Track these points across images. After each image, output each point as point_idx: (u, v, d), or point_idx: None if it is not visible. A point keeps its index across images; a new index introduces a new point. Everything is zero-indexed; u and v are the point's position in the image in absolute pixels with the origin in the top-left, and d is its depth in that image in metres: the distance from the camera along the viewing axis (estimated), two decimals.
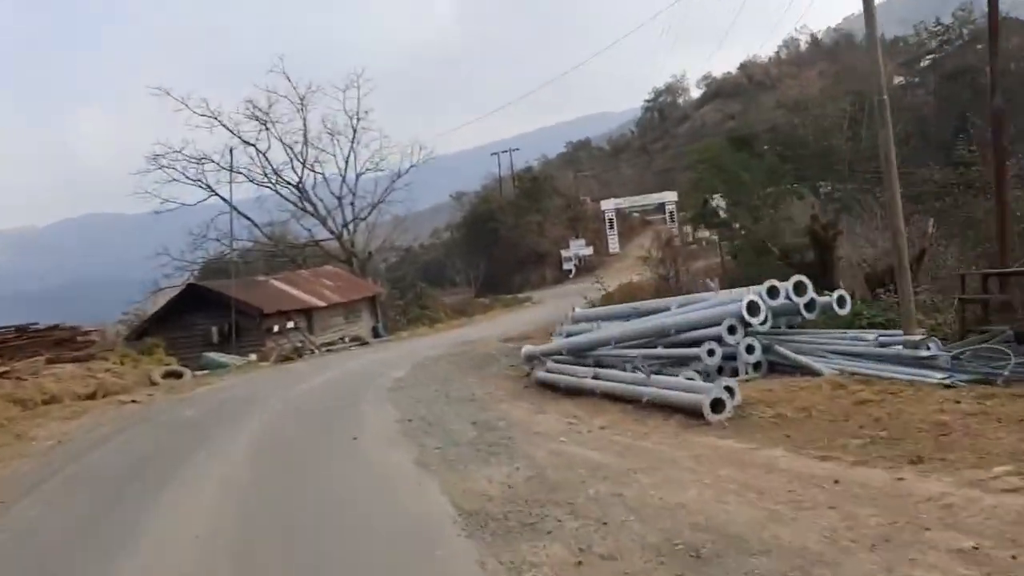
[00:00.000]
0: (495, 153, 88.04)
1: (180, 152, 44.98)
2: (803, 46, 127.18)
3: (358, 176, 48.13)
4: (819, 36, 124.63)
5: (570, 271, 79.74)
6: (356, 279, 44.03)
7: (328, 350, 34.43)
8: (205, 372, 27.90)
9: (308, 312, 35.29)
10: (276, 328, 32.62)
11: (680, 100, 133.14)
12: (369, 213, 47.96)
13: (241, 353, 31.17)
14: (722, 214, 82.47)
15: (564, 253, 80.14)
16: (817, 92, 67.75)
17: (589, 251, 79.61)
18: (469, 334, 37.64)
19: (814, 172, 55.40)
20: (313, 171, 47.10)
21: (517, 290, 77.83)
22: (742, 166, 52.98)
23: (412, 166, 49.42)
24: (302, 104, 47.43)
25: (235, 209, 43.32)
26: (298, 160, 46.63)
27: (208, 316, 32.77)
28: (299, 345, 33.21)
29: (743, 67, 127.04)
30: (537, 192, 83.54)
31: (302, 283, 37.69)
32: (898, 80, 76.77)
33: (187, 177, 45.20)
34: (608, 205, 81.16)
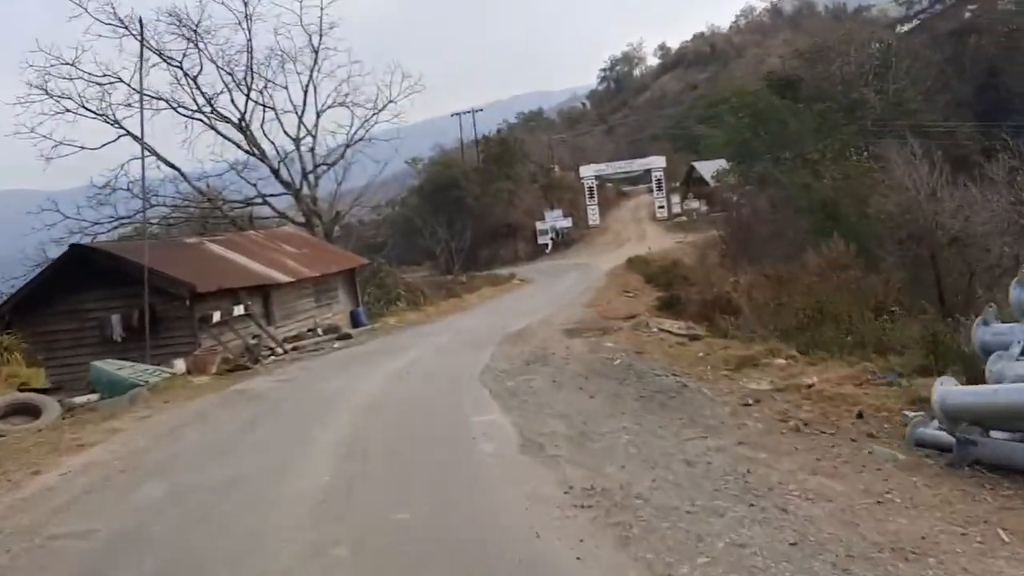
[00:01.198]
0: (457, 114, 75.10)
1: (73, 65, 31.27)
2: (762, 15, 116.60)
3: (320, 113, 34.95)
4: (779, 5, 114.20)
5: (546, 245, 67.74)
6: (329, 247, 31.27)
7: (295, 348, 21.76)
8: (92, 398, 14.96)
9: (264, 291, 22.43)
10: (216, 316, 19.72)
11: (636, 71, 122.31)
12: (338, 159, 34.84)
13: (160, 358, 18.26)
14: (710, 182, 71.65)
15: (539, 225, 68.04)
16: (834, 41, 57.32)
17: (568, 223, 67.65)
18: (485, 320, 26.22)
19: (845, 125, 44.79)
20: (262, 105, 33.86)
21: (485, 266, 65.60)
22: (789, 114, 42.05)
23: (391, 101, 36.49)
24: (246, 15, 34.07)
25: (151, 151, 30.05)
26: (240, 90, 33.41)
27: (106, 298, 19.69)
28: (253, 343, 20.47)
29: (703, 37, 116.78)
30: (506, 157, 71.08)
31: (254, 249, 24.75)
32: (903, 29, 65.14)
33: (86, 108, 31.63)
34: (587, 172, 69.22)
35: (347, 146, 34.53)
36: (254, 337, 20.89)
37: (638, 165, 70.00)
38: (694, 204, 68.30)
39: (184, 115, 32.47)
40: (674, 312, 24.38)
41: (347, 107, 35.44)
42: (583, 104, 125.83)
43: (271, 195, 33.74)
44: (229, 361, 18.69)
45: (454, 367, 15.80)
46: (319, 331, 24.45)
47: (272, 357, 20.09)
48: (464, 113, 75.16)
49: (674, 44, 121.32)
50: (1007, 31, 64.29)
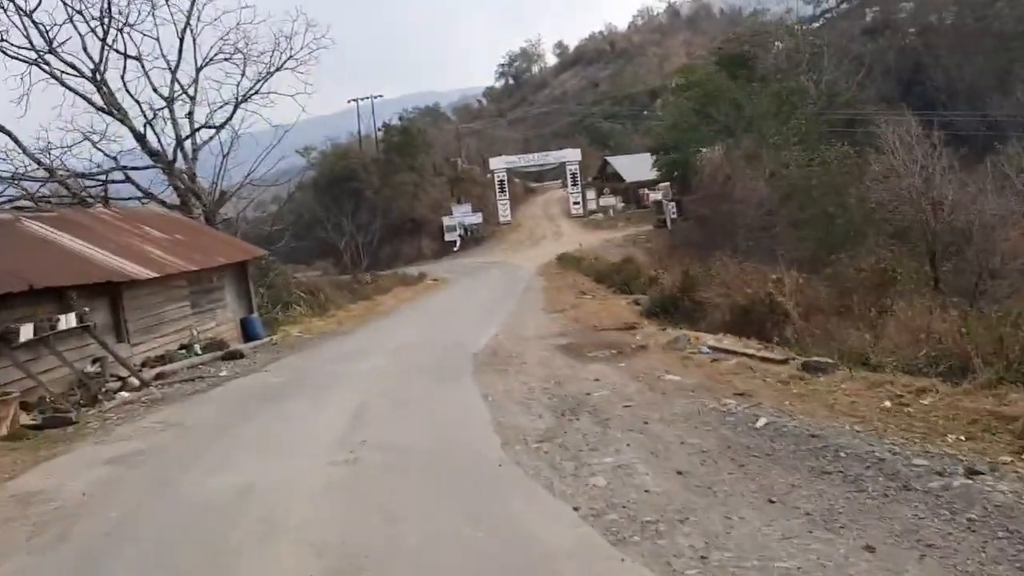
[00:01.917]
0: (354, 100, 67.27)
1: None
2: (660, 15, 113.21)
3: (200, 68, 26.84)
4: (677, 6, 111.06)
5: (454, 243, 60.90)
6: (213, 232, 23.35)
7: (160, 378, 14.28)
8: None
9: (113, 292, 14.70)
10: (27, 332, 12.02)
11: (535, 68, 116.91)
12: (225, 121, 26.78)
13: None
14: (624, 178, 66.32)
15: (446, 221, 61.17)
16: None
17: (478, 219, 60.99)
18: (421, 331, 20.13)
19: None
20: (122, 54, 25.45)
21: (388, 265, 58.23)
22: (744, 95, 36.73)
23: (291, 57, 28.71)
24: None
25: None
26: (96, 35, 25.04)
27: None
28: (92, 372, 12.91)
29: (602, 36, 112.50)
30: (409, 147, 63.89)
31: (100, 231, 16.86)
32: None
33: None
34: (498, 164, 62.71)
35: (236, 104, 26.61)
36: (94, 362, 13.30)
37: (553, 158, 63.97)
38: (610, 200, 62.92)
39: (15, 58, 23.86)
40: (674, 319, 18.15)
41: (234, 62, 27.54)
42: (479, 101, 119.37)
43: (135, 168, 25.40)
44: (43, 407, 11.15)
45: (438, 425, 8.99)
46: (197, 348, 16.92)
47: (121, 394, 12.58)
48: (362, 99, 67.48)
49: (572, 42, 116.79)
50: (919, 30, 62.14)
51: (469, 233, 60.90)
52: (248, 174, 26.07)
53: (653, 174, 62.57)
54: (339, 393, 11.45)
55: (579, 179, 62.17)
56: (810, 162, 29.23)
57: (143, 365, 14.75)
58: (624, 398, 9.57)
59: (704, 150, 38.93)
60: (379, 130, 65.51)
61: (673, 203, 52.85)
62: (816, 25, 75.78)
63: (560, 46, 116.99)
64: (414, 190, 62.16)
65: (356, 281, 42.39)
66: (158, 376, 14.20)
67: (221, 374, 14.36)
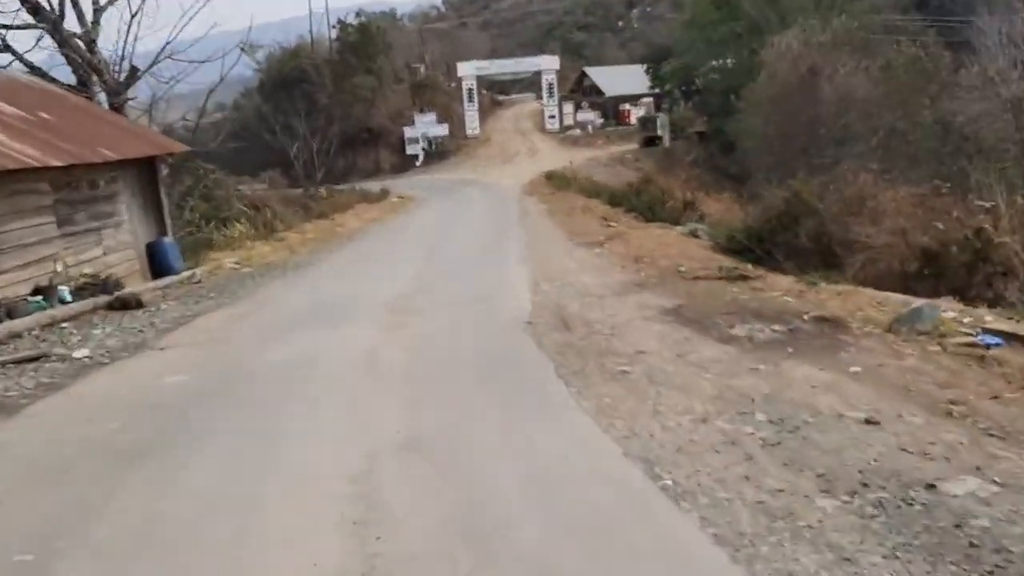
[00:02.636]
0: None
1: None
2: None
3: None
4: None
5: (416, 157, 53.71)
6: (108, 115, 16.16)
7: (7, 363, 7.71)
8: None
9: None
10: None
11: None
12: None
13: None
14: (604, 91, 59.38)
15: (408, 132, 53.80)
16: None
17: (443, 131, 53.75)
18: (415, 266, 13.45)
19: None
20: None
21: (342, 179, 51.02)
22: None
23: None
24: None
25: None
26: None
27: None
28: None
29: None
30: (367, 47, 55.73)
31: None
32: None
33: None
34: (467, 70, 55.10)
35: None
36: None
37: (527, 65, 56.42)
38: (589, 115, 56.10)
39: None
40: (789, 263, 12.11)
41: None
42: (438, 9, 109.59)
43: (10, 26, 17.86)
44: None
45: None
46: (65, 293, 10.37)
47: None
48: None
49: None
50: None
51: (433, 146, 53.70)
52: (166, 43, 18.68)
53: (635, 88, 56.07)
54: (295, 445, 5.13)
55: (556, 90, 55.06)
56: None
57: None
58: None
59: (714, 63, 32.36)
60: (333, 27, 57.09)
61: (660, 117, 46.52)
62: None
63: None
64: (372, 96, 54.35)
65: (309, 196, 35.54)
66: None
67: (76, 355, 7.77)
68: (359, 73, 54.53)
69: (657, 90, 50.60)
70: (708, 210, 20.94)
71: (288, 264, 15.25)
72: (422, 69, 61.39)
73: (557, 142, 53.18)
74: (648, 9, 78.65)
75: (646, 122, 49.16)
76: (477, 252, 15.26)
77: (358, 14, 55.90)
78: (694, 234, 16.21)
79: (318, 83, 55.72)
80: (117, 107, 17.87)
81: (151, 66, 18.32)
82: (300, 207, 30.15)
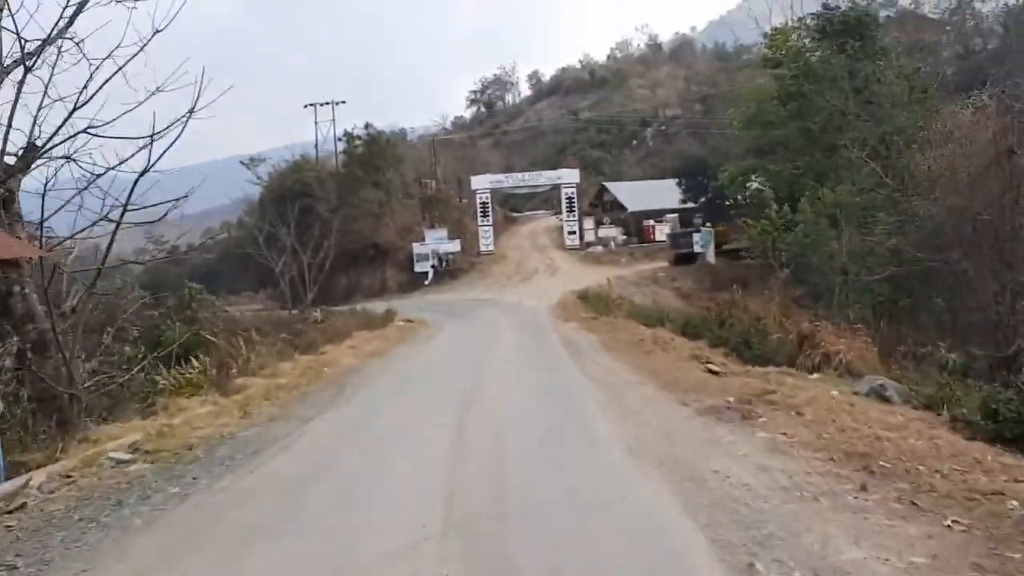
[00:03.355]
0: (311, 105, 54.50)
1: None
2: (639, 48, 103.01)
3: None
4: (659, 39, 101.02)
5: (426, 275, 48.06)
6: None
7: None
8: None
9: None
10: None
11: (509, 97, 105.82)
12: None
13: None
14: (626, 206, 54.16)
15: (416, 248, 48.39)
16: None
17: (455, 247, 48.35)
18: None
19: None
20: None
21: (344, 299, 45.28)
22: (859, 74, 24.63)
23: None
24: None
25: None
26: None
27: None
28: None
29: (580, 65, 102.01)
30: (375, 160, 51.18)
31: None
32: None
33: None
34: (481, 183, 50.30)
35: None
36: None
37: (546, 179, 51.57)
38: (611, 231, 50.82)
39: None
40: None
41: None
42: (446, 129, 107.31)
43: None
44: None
45: None
46: None
47: None
48: (322, 104, 54.69)
49: (547, 72, 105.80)
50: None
51: (444, 264, 48.16)
52: (75, 106, 12.70)
53: (658, 203, 51.06)
54: None
55: (576, 205, 49.97)
56: None
57: None
58: None
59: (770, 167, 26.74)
60: (340, 139, 52.70)
61: (702, 233, 40.94)
62: None
63: (534, 76, 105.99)
64: (379, 210, 49.31)
65: (298, 319, 29.57)
66: None
67: None
68: (366, 187, 49.69)
69: (689, 204, 45.33)
70: (832, 348, 14.66)
71: (218, 447, 8.84)
72: (432, 184, 56.69)
73: (578, 259, 47.69)
74: (663, 128, 75.14)
75: (678, 238, 43.68)
76: (537, 427, 8.90)
77: (367, 126, 51.57)
78: (882, 397, 9.83)
79: (321, 197, 50.82)
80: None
81: (49, 141, 12.30)
82: (290, 332, 24.16)
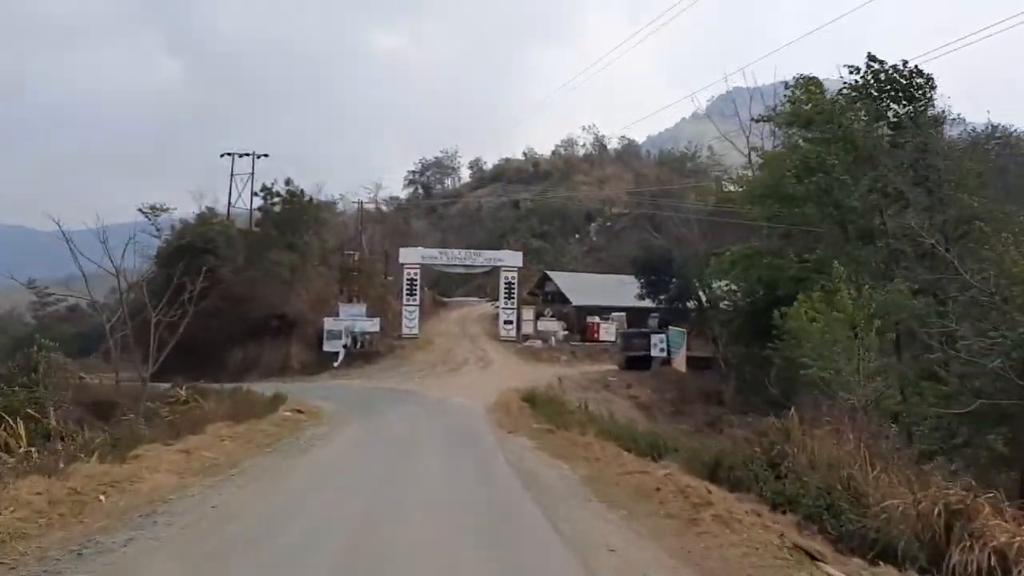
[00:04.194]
0: (227, 154, 47.28)
1: None
2: (586, 146, 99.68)
3: None
4: (605, 139, 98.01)
5: (337, 355, 40.49)
6: None
7: None
8: None
9: None
10: None
11: (448, 181, 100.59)
12: None
13: None
14: (570, 299, 47.62)
15: (329, 324, 40.93)
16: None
17: (374, 326, 41.06)
18: None
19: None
20: None
21: (238, 375, 37.31)
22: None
23: None
24: None
25: None
26: None
27: None
28: None
29: (525, 156, 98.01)
30: (293, 219, 43.94)
31: None
32: None
33: None
34: (411, 257, 43.49)
35: None
36: None
37: (485, 259, 44.96)
38: (552, 325, 44.32)
39: None
40: None
41: None
42: (379, 208, 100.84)
43: None
44: None
45: None
46: None
47: None
48: (241, 155, 47.49)
49: (489, 161, 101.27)
50: None
51: (359, 345, 40.66)
52: None
53: (605, 300, 45.26)
54: None
55: (516, 292, 43.47)
56: None
57: None
58: None
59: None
60: (256, 194, 45.31)
61: (667, 333, 34.85)
62: None
63: (476, 164, 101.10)
64: (291, 276, 41.76)
65: (168, 395, 22.25)
66: None
67: None
68: (279, 247, 42.23)
69: (647, 301, 39.40)
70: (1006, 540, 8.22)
71: None
72: (356, 255, 49.57)
73: (514, 352, 40.94)
74: (608, 224, 70.47)
75: (631, 338, 37.52)
76: None
77: (288, 182, 44.46)
78: None
79: (227, 255, 43.10)
80: None
81: None
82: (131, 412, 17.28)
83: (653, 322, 39.40)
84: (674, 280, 35.48)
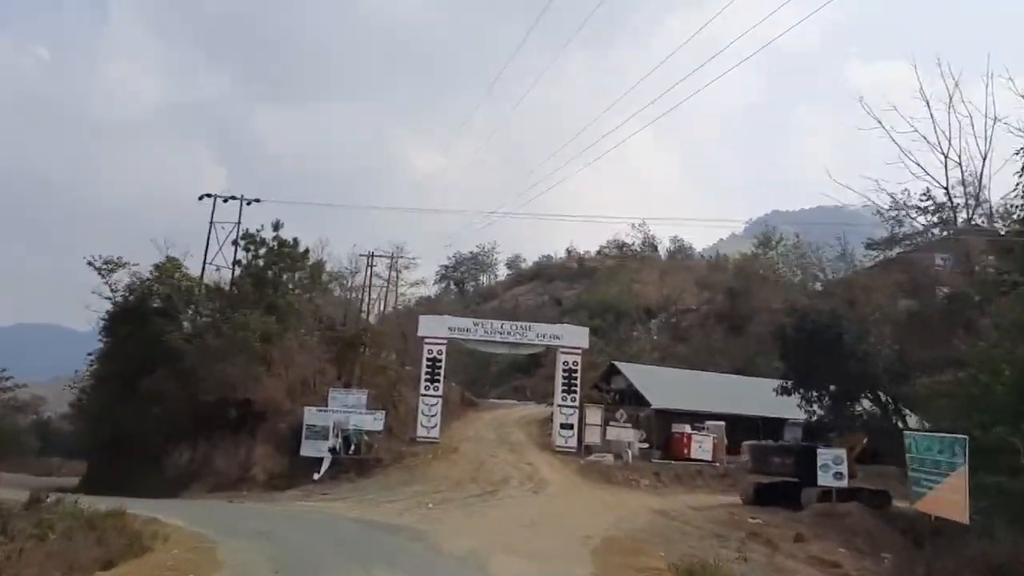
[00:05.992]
0: (206, 196, 35.27)
1: None
2: (634, 246, 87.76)
3: None
4: (655, 240, 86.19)
5: (319, 463, 26.95)
6: None
7: None
8: None
9: None
10: None
11: (484, 278, 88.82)
12: None
13: None
14: (646, 396, 33.34)
15: (310, 417, 27.60)
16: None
17: (376, 424, 27.65)
18: None
19: None
20: None
21: (170, 488, 24.24)
22: None
23: None
24: None
25: None
26: None
27: None
28: None
29: (568, 253, 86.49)
30: (278, 279, 31.53)
31: None
32: None
33: None
34: (435, 329, 30.40)
35: None
36: None
37: (537, 334, 31.18)
38: (628, 434, 30.35)
39: None
40: None
41: None
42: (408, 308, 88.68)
43: None
44: None
45: None
46: None
47: None
48: (226, 199, 35.49)
49: (529, 258, 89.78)
50: None
51: (353, 449, 27.21)
52: None
53: (696, 405, 31.80)
54: None
55: (579, 385, 29.93)
56: None
57: None
58: None
59: None
60: (236, 243, 33.10)
61: (842, 454, 21.04)
62: None
63: (513, 263, 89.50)
64: (263, 348, 28.80)
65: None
66: None
67: None
68: (254, 308, 29.65)
69: (802, 413, 25.21)
70: None
71: None
72: (363, 319, 36.78)
73: (575, 471, 27.15)
74: (673, 320, 57.53)
75: (771, 455, 23.69)
76: None
77: (277, 226, 32.17)
78: None
79: (184, 319, 30.72)
80: None
81: None
82: None
83: (791, 435, 25.65)
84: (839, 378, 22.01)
